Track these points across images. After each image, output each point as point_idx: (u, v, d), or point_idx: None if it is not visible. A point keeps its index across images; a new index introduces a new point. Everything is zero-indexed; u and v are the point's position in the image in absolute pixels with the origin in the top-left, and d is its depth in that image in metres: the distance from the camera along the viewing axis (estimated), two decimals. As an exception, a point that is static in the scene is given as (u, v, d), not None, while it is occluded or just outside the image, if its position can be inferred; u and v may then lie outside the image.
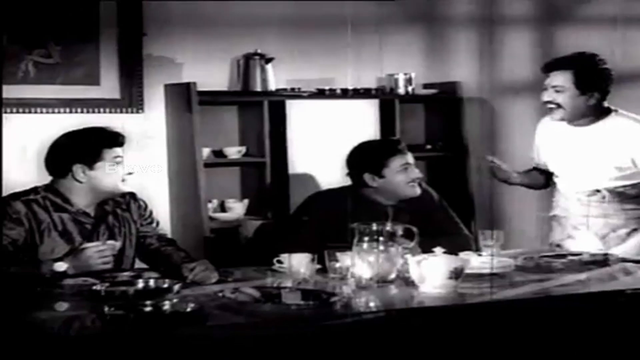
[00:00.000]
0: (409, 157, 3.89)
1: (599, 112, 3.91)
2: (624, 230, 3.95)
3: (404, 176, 3.84)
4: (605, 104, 3.92)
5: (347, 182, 3.94)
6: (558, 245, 4.08)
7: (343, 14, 5.23)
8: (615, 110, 3.93)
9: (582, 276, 3.44)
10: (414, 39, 5.49)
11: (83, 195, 3.51)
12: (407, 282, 3.23)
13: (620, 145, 3.88)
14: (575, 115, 3.91)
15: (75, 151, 3.50)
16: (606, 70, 3.89)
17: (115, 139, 3.53)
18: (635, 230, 3.96)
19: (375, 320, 2.88)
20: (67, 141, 3.53)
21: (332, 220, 3.73)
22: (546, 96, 3.91)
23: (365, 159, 3.88)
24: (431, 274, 3.13)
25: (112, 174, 3.50)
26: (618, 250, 3.86)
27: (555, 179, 4.10)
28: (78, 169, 3.48)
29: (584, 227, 3.99)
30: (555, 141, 4.03)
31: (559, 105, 3.89)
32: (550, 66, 3.93)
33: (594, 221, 3.97)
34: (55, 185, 3.52)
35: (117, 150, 3.52)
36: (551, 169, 4.10)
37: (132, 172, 3.56)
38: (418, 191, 3.87)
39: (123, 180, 3.54)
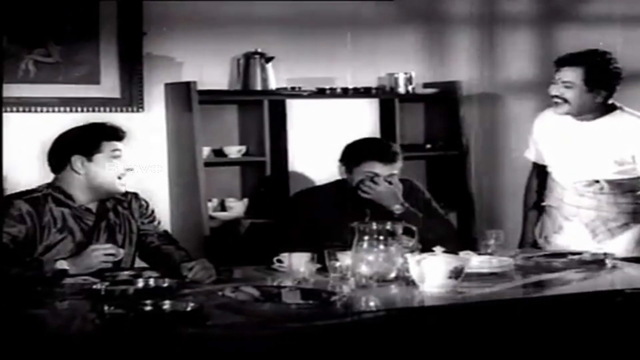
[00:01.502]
0: (379, 167, 3.87)
1: (604, 109, 3.97)
2: (615, 224, 4.00)
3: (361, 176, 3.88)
4: (611, 100, 3.97)
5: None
6: (545, 238, 4.14)
7: (343, 14, 5.24)
8: (621, 108, 3.99)
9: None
10: (414, 38, 5.49)
11: (83, 190, 3.52)
12: (407, 281, 3.23)
13: (622, 141, 3.93)
14: (580, 111, 3.96)
15: (75, 142, 3.54)
16: (616, 69, 3.94)
17: (115, 133, 3.56)
18: (625, 224, 4.00)
19: (375, 320, 2.88)
20: (69, 133, 3.57)
21: (318, 217, 3.77)
22: (554, 90, 3.96)
23: (344, 155, 3.97)
24: (431, 274, 3.13)
25: (109, 168, 3.51)
26: (608, 246, 3.91)
27: (551, 170, 4.14)
28: (77, 160, 3.50)
29: (575, 218, 4.04)
30: (556, 133, 4.07)
31: (565, 100, 3.94)
32: (563, 61, 3.97)
33: (586, 213, 4.01)
34: (57, 182, 3.54)
35: (116, 144, 3.54)
36: (548, 160, 4.14)
37: (132, 168, 3.57)
38: (364, 195, 3.87)
39: (120, 178, 3.54)
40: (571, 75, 3.92)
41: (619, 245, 3.95)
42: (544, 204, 4.17)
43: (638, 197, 4.02)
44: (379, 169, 3.88)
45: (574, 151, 4.01)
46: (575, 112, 3.96)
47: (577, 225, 4.04)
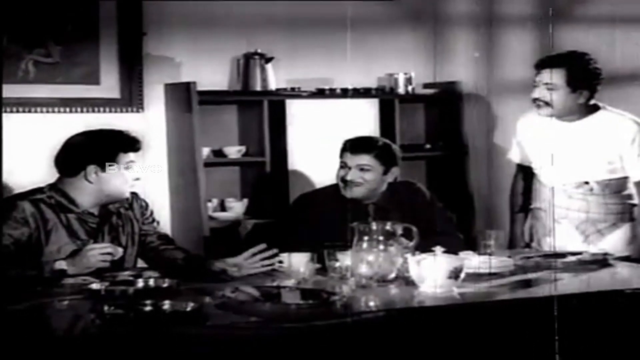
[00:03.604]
0: (348, 157, 3.87)
1: (587, 109, 3.99)
2: (604, 224, 4.01)
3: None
4: (593, 101, 3.99)
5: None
6: (537, 241, 4.14)
7: (343, 14, 5.24)
8: (604, 107, 4.00)
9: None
10: (414, 38, 5.49)
11: (88, 196, 3.50)
12: (407, 281, 3.23)
13: (608, 141, 3.95)
14: (564, 112, 3.98)
15: (93, 151, 3.50)
16: (596, 69, 3.97)
17: (132, 144, 3.54)
18: (614, 225, 4.01)
19: (375, 320, 2.88)
20: (85, 140, 3.53)
21: (320, 219, 3.76)
22: (537, 93, 3.99)
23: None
24: (431, 274, 3.13)
25: (121, 178, 3.50)
26: (600, 246, 3.93)
27: (537, 172, 4.14)
28: (91, 170, 3.48)
29: (565, 220, 4.03)
30: (541, 135, 4.08)
31: (548, 103, 3.95)
32: (543, 63, 4.00)
33: (576, 214, 4.02)
34: (60, 185, 3.51)
35: (131, 156, 3.53)
36: (535, 162, 4.14)
37: (140, 178, 3.56)
38: (348, 194, 3.86)
39: (130, 185, 3.54)
40: (553, 76, 3.94)
41: (609, 245, 3.96)
42: (532, 206, 4.17)
43: (625, 196, 4.03)
44: (348, 159, 3.87)
45: (561, 152, 4.01)
46: (559, 113, 3.98)
47: (567, 227, 4.04)
